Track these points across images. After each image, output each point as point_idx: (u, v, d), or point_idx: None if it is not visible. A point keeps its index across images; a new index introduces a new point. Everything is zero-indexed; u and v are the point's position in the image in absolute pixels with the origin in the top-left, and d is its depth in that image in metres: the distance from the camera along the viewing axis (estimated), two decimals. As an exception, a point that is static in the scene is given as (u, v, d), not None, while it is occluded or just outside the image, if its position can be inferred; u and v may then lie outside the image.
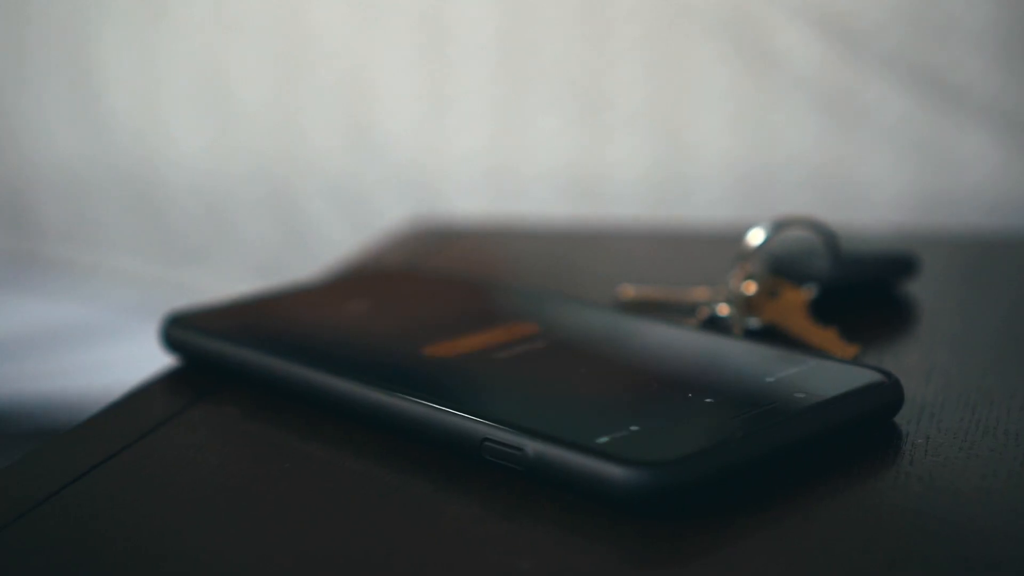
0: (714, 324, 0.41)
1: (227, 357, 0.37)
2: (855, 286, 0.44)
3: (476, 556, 0.27)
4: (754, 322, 0.41)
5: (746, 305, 0.41)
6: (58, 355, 0.75)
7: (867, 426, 0.32)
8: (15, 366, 0.73)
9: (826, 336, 0.39)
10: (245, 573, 0.27)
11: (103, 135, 0.77)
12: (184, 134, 0.75)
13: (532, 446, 0.29)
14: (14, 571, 0.27)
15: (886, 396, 0.33)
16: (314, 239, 0.74)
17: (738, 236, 0.43)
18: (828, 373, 0.33)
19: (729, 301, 0.41)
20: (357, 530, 0.28)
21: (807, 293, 0.42)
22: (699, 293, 0.43)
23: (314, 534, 0.28)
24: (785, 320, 0.40)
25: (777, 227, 0.42)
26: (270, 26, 0.74)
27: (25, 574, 0.27)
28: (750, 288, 0.42)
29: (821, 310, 0.42)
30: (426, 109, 0.72)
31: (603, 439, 0.29)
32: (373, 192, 0.73)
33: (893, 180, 0.65)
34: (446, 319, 0.39)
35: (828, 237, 0.43)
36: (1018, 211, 0.64)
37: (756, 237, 0.42)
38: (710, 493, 0.29)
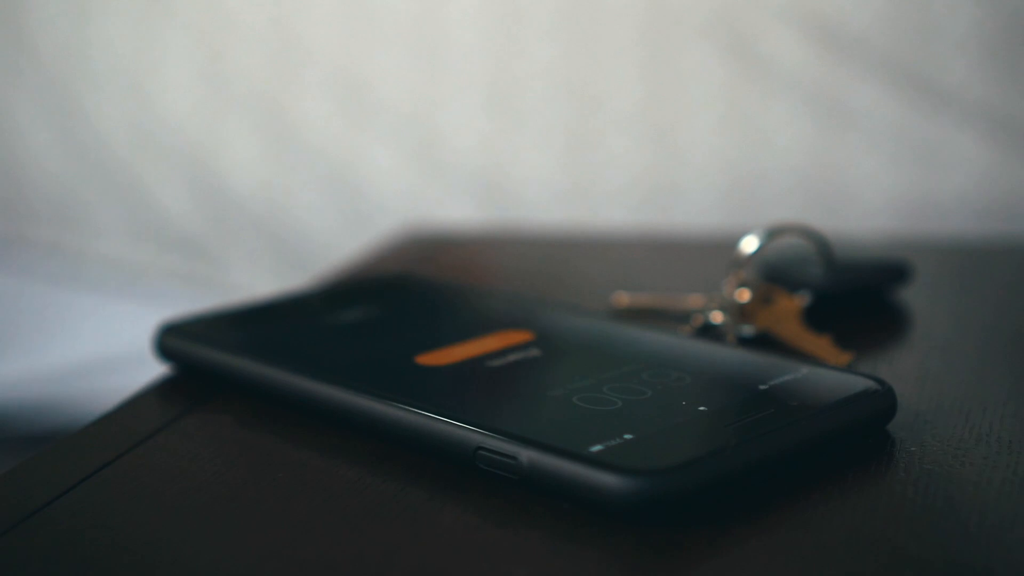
0: (708, 332, 0.41)
1: (222, 366, 0.37)
2: (848, 293, 0.44)
3: (471, 564, 0.27)
4: (748, 329, 0.41)
5: (740, 312, 0.41)
6: (46, 342, 0.75)
7: (861, 434, 0.32)
8: (7, 366, 0.73)
9: (820, 343, 0.39)
10: (240, 582, 0.27)
11: (95, 125, 0.77)
12: (178, 125, 0.75)
13: (526, 455, 0.29)
14: (9, 580, 0.27)
15: (879, 404, 0.33)
16: (309, 244, 0.75)
17: (732, 243, 0.43)
18: (822, 381, 0.33)
19: (723, 308, 0.41)
20: (352, 538, 0.28)
21: (801, 300, 0.42)
22: (693, 301, 0.43)
23: (309, 542, 0.28)
24: (779, 327, 0.41)
25: (770, 234, 0.43)
26: (261, 21, 0.74)
27: (20, 583, 0.27)
28: (744, 296, 0.42)
29: (815, 317, 0.42)
30: (418, 113, 0.72)
31: (597, 447, 0.29)
32: (368, 198, 0.73)
33: (882, 184, 0.65)
34: (440, 327, 0.39)
35: (821, 244, 0.43)
36: (1006, 215, 0.64)
37: (750, 244, 0.42)
38: (704, 501, 0.29)
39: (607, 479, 0.28)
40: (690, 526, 0.28)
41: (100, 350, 0.72)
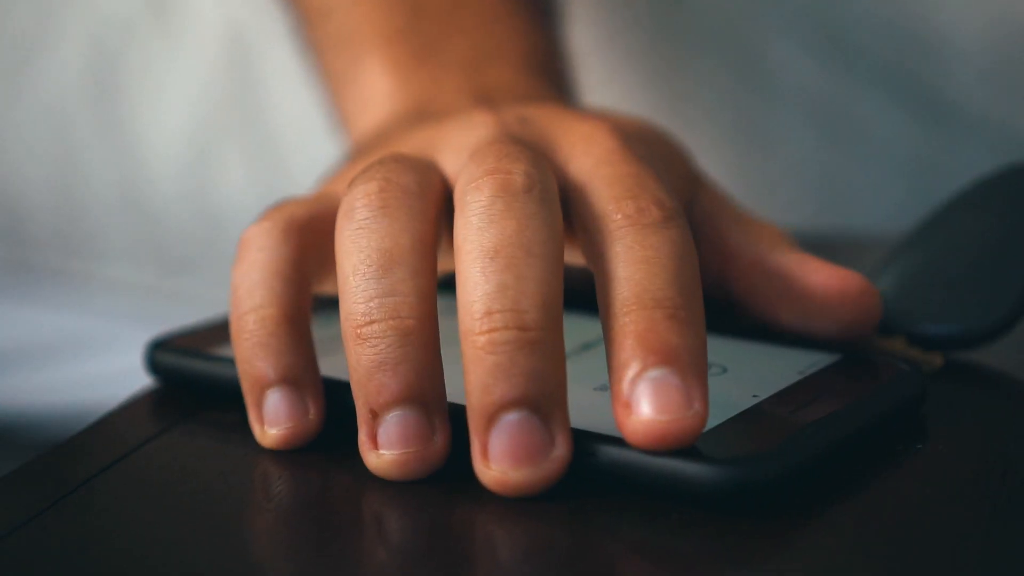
0: None
1: (215, 378, 0.35)
2: None
3: (482, 561, 0.27)
4: None
5: None
6: (51, 365, 0.73)
7: (901, 417, 0.32)
8: (6, 379, 0.71)
9: (895, 345, 0.37)
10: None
11: (94, 142, 0.75)
12: (176, 142, 0.74)
13: None
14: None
15: (914, 386, 0.32)
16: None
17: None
18: (856, 366, 0.33)
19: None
20: (353, 539, 0.28)
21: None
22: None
23: (310, 544, 0.28)
24: None
25: None
26: None
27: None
28: None
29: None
30: None
31: None
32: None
33: (888, 194, 0.65)
34: (441, 327, 0.38)
35: None
36: None
37: None
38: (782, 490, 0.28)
39: (693, 468, 0.27)
40: (732, 518, 0.27)
41: (103, 370, 0.70)
